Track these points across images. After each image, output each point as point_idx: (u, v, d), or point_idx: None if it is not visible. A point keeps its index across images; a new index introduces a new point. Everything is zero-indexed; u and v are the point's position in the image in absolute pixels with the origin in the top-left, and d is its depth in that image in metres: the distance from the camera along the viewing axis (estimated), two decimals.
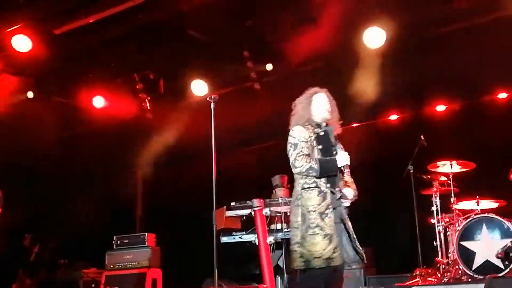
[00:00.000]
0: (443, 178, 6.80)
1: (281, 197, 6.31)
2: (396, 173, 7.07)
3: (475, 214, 6.31)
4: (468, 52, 7.32)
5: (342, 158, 4.49)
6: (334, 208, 4.41)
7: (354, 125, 9.11)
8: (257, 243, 6.02)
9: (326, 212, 4.36)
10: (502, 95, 8.17)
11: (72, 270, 8.18)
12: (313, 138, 4.52)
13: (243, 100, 8.55)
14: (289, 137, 4.57)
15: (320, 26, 7.02)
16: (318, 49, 7.44)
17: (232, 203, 6.31)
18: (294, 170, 4.48)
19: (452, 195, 6.64)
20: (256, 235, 6.06)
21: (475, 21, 7.10)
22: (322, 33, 7.06)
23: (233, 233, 6.35)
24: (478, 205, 6.57)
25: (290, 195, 4.82)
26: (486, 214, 6.22)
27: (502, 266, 5.92)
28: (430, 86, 8.02)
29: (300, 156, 4.41)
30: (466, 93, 8.07)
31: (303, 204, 4.41)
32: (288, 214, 6.38)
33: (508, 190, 6.69)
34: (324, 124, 4.66)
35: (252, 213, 6.13)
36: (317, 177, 4.40)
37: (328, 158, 4.49)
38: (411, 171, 6.77)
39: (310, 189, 4.43)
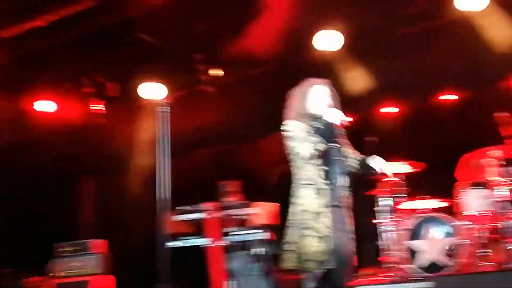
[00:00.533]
0: (392, 178, 6.91)
1: (234, 200, 6.29)
2: None
3: (422, 214, 6.42)
4: (418, 54, 7.48)
5: (331, 113, 4.13)
6: (335, 206, 4.00)
7: None
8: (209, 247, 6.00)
9: (322, 211, 4.13)
10: (451, 97, 8.40)
11: (17, 279, 8.01)
12: (311, 132, 4.20)
13: (195, 103, 8.53)
14: (285, 132, 4.31)
15: (273, 28, 7.05)
16: (271, 51, 7.48)
17: (184, 207, 6.26)
18: (298, 159, 4.26)
19: (400, 195, 6.74)
20: (208, 239, 6.04)
21: (426, 24, 7.27)
22: (275, 35, 7.09)
23: (184, 237, 6.28)
24: (425, 204, 6.69)
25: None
26: (433, 214, 6.34)
27: (447, 264, 6.03)
28: (381, 89, 8.16)
29: (303, 141, 4.17)
30: (416, 95, 8.25)
31: (296, 202, 4.24)
32: (242, 217, 6.47)
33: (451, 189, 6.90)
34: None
35: (205, 216, 6.10)
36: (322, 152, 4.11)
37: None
38: None
39: (305, 186, 4.23)
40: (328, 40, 7.44)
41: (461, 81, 7.71)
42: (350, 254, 4.13)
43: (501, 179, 6.26)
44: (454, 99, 8.32)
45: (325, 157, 4.17)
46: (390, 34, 7.49)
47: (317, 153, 4.15)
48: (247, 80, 8.38)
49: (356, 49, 7.57)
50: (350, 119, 4.33)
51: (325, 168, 4.18)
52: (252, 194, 6.90)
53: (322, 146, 4.12)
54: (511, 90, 7.82)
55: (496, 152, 6.36)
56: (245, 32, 7.35)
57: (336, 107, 4.28)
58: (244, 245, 6.14)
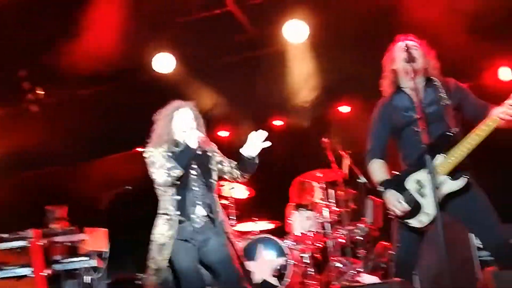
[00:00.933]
0: (223, 202, 7.00)
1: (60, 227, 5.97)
2: None
3: (253, 235, 6.58)
4: (249, 81, 7.74)
5: (192, 137, 3.99)
6: (186, 240, 3.96)
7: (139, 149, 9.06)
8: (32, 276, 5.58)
9: (166, 243, 3.97)
10: (278, 122, 8.77)
11: None
12: (168, 157, 4.04)
13: (19, 123, 8.00)
14: (145, 159, 4.15)
15: (103, 46, 6.84)
16: (103, 70, 7.27)
17: (2, 234, 5.76)
18: (157, 187, 4.11)
19: (231, 217, 6.85)
20: (31, 269, 5.61)
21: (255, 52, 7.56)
22: (106, 53, 6.90)
23: (4, 267, 5.76)
24: (255, 226, 6.87)
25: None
26: (263, 235, 6.52)
27: (277, 284, 6.22)
28: (213, 113, 8.26)
29: (160, 168, 3.99)
30: (248, 120, 8.46)
31: (152, 232, 4.09)
32: (70, 244, 6.13)
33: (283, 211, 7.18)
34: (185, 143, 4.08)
35: (27, 244, 5.67)
36: (177, 178, 3.95)
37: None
38: None
39: (159, 215, 4.08)
40: (163, 63, 7.43)
41: (286, 107, 8.09)
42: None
43: (323, 202, 6.65)
44: (282, 124, 8.69)
45: (181, 185, 4.05)
46: (221, 60, 7.69)
47: (170, 179, 3.99)
48: (77, 100, 8.04)
49: (187, 74, 7.63)
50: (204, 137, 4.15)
51: (177, 197, 4.06)
52: (80, 220, 6.60)
53: (177, 172, 3.97)
54: (339, 114, 8.37)
55: (320, 175, 6.75)
56: (73, 49, 7.05)
57: (200, 129, 4.16)
58: (72, 274, 5.83)
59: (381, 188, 3.75)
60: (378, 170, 3.84)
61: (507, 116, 3.46)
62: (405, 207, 3.63)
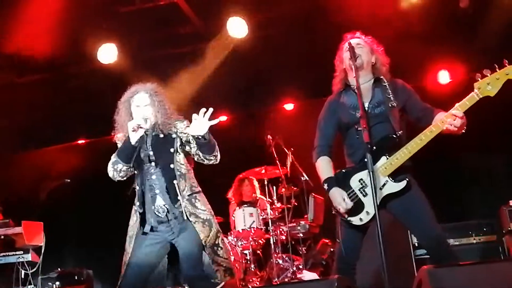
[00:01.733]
0: None
1: None
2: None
3: None
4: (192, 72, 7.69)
5: (130, 124, 3.68)
6: (145, 233, 3.75)
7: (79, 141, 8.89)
8: None
9: (132, 235, 3.80)
10: (222, 118, 8.73)
11: None
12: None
13: None
14: None
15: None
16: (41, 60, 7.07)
17: None
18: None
19: None
20: None
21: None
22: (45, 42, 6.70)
23: None
24: None
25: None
26: None
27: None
28: None
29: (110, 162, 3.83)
30: (188, 114, 8.39)
31: None
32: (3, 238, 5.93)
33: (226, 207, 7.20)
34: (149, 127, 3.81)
35: None
36: (115, 170, 3.77)
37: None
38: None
39: (134, 205, 3.89)
40: (107, 53, 7.27)
41: (235, 102, 8.07)
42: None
43: (265, 198, 6.69)
44: (226, 120, 8.66)
45: (139, 174, 3.86)
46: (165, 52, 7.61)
47: (115, 174, 3.82)
48: (16, 89, 7.78)
49: (131, 64, 7.51)
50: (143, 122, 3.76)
51: (137, 188, 3.87)
52: (15, 212, 6.41)
53: (119, 167, 3.79)
54: (283, 112, 8.41)
55: (262, 171, 6.78)
56: (13, 38, 6.81)
57: (160, 112, 3.85)
58: (6, 268, 5.67)
59: (326, 186, 3.79)
60: (324, 167, 3.87)
61: (451, 127, 3.55)
62: (348, 205, 3.68)
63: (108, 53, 7.29)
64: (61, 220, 8.28)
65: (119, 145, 3.90)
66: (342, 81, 3.94)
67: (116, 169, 3.81)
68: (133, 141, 3.69)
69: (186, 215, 3.76)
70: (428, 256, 4.38)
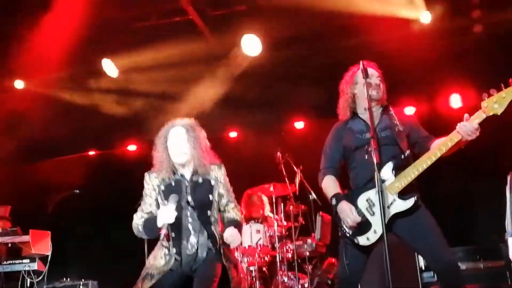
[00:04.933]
0: None
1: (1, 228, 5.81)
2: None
3: None
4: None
5: (163, 214, 3.50)
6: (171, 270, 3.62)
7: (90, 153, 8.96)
8: None
9: (155, 276, 3.62)
10: (232, 134, 8.76)
11: None
12: (162, 188, 3.70)
13: None
14: None
15: None
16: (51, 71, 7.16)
17: None
18: None
19: None
20: None
21: None
22: None
23: None
24: None
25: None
26: None
27: None
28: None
29: (139, 208, 3.72)
30: None
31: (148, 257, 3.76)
32: (10, 245, 5.96)
33: None
34: (181, 169, 3.73)
35: None
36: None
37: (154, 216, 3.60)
38: None
39: (161, 244, 3.70)
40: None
41: (246, 118, 8.11)
42: None
43: (272, 214, 6.68)
44: (236, 136, 8.68)
45: (176, 223, 3.60)
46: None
47: (139, 233, 3.71)
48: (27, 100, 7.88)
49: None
50: None
51: (172, 235, 3.68)
52: (23, 221, 6.44)
53: (141, 236, 3.71)
54: (293, 130, 8.43)
55: (271, 189, 6.78)
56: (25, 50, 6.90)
57: (197, 149, 3.70)
58: (12, 276, 5.69)
59: (334, 200, 3.79)
60: (331, 185, 3.89)
61: (468, 137, 3.53)
62: (357, 218, 3.68)
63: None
64: (68, 230, 8.31)
65: (144, 191, 3.78)
66: (348, 108, 3.98)
67: (138, 235, 3.74)
68: (159, 224, 3.53)
69: (212, 259, 3.66)
70: (435, 280, 4.36)
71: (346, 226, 3.75)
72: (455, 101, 7.50)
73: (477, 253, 5.81)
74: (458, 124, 3.57)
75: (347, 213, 3.69)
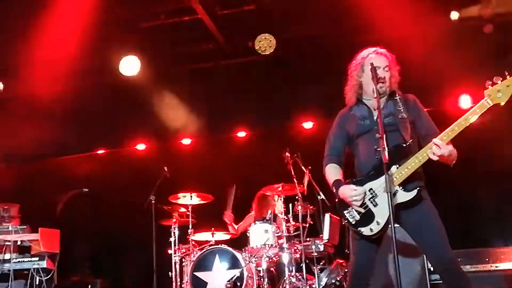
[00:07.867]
0: (182, 210, 6.95)
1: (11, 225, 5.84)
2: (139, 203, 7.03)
3: (209, 245, 6.54)
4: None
5: None
6: None
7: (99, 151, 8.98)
8: None
9: None
10: (241, 134, 8.75)
11: None
12: None
13: None
14: None
15: None
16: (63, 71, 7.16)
17: None
18: None
19: (190, 226, 6.80)
20: None
21: None
22: None
23: None
24: (213, 236, 6.83)
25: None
26: (219, 245, 6.49)
27: None
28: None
29: None
30: (208, 131, 8.42)
31: None
32: (19, 243, 5.99)
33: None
34: None
35: None
36: None
37: None
38: (153, 202, 6.79)
39: None
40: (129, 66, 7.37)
41: (255, 118, 8.11)
42: None
43: (281, 215, 6.66)
44: (245, 136, 8.66)
45: None
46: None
47: None
48: (38, 99, 7.90)
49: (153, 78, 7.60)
50: None
51: None
52: (33, 219, 6.47)
53: None
54: (302, 130, 8.41)
55: (280, 189, 6.77)
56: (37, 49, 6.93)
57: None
58: (21, 273, 5.71)
59: (334, 189, 3.77)
60: (332, 172, 3.89)
61: (433, 156, 3.52)
62: (360, 192, 3.63)
63: (130, 66, 7.39)
64: (77, 228, 8.34)
65: None
66: (355, 94, 3.96)
67: None
68: None
69: None
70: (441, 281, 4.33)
71: (349, 215, 3.72)
72: (465, 101, 7.45)
73: (486, 256, 5.78)
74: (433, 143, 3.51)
75: (350, 194, 3.66)
